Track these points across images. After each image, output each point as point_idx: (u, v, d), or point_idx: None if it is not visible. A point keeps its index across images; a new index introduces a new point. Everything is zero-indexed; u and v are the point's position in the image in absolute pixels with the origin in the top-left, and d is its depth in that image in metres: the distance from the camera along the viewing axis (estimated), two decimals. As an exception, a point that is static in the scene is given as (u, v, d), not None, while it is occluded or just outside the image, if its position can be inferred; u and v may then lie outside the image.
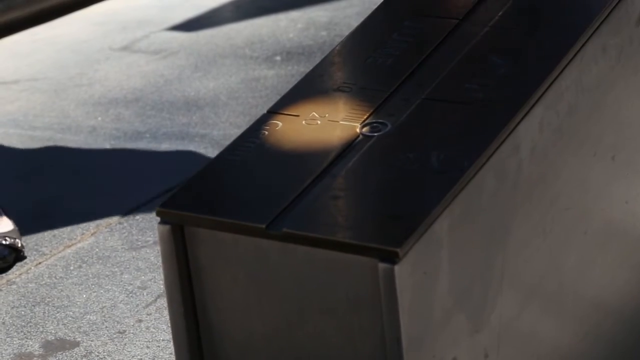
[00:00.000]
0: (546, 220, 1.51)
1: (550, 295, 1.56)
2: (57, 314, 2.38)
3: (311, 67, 1.47)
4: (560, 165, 1.54)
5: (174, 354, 1.41)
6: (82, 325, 2.33)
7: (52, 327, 2.34)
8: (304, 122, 1.45)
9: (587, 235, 1.62)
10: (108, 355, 2.24)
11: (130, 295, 2.42)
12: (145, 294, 2.43)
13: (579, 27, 1.55)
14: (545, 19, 1.61)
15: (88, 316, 2.36)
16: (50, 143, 3.17)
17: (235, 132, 3.10)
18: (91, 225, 2.72)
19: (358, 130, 1.43)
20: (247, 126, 1.45)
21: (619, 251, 1.73)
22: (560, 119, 1.52)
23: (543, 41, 1.56)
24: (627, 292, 1.79)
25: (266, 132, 1.43)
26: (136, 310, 2.37)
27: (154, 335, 2.29)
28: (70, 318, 2.36)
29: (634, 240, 1.79)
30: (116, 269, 2.53)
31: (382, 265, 1.24)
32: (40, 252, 2.62)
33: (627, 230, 1.76)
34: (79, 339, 2.30)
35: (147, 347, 2.25)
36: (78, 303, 2.41)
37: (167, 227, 1.34)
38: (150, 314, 2.35)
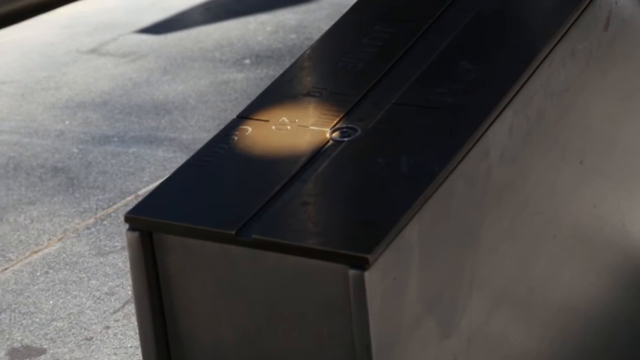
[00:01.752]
0: (515, 225, 1.51)
1: (519, 299, 1.56)
2: (24, 321, 2.35)
3: (281, 70, 1.47)
4: (529, 170, 1.54)
5: (142, 361, 1.40)
6: (48, 332, 2.31)
7: (18, 334, 2.31)
8: (273, 127, 1.44)
9: (556, 239, 1.63)
10: (76, 362, 2.22)
11: (98, 301, 2.40)
12: (112, 300, 2.41)
13: (547, 31, 1.56)
14: (514, 24, 1.61)
15: (55, 323, 2.34)
16: (17, 147, 3.14)
17: (204, 136, 3.08)
18: (58, 231, 2.70)
19: (328, 135, 1.42)
20: (216, 130, 1.44)
21: (587, 255, 1.74)
22: (530, 124, 1.52)
23: (512, 46, 1.56)
24: (595, 295, 1.80)
25: (236, 138, 1.42)
26: (104, 316, 2.35)
27: (121, 342, 2.27)
28: (36, 325, 2.34)
29: (601, 244, 1.80)
30: (83, 275, 2.51)
31: (352, 272, 1.24)
32: (6, 258, 2.60)
33: (595, 235, 1.77)
34: (46, 346, 2.27)
35: (115, 354, 2.24)
36: (45, 309, 2.39)
37: (135, 234, 1.33)
38: (118, 320, 2.34)
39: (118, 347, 2.26)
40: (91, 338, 2.28)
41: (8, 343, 2.29)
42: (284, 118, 1.45)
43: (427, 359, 1.35)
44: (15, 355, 2.26)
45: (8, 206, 2.82)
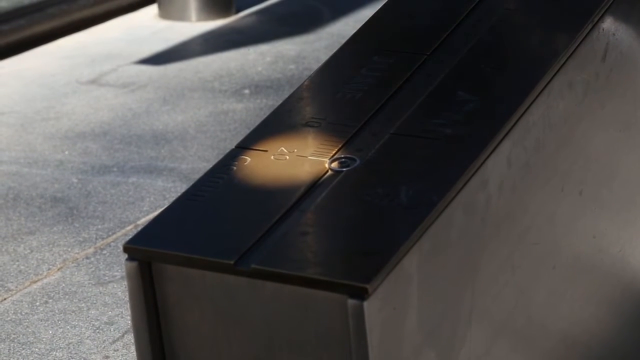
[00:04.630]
0: (515, 255, 1.51)
1: (519, 330, 1.56)
2: (23, 351, 2.35)
3: (280, 101, 1.48)
4: (529, 200, 1.54)
5: (141, 391, 1.39)
6: (47, 361, 2.31)
7: (17, 364, 2.31)
8: (272, 157, 1.44)
9: (555, 270, 1.63)
10: (74, 393, 2.21)
11: (97, 331, 2.40)
12: (112, 329, 2.40)
13: (546, 62, 1.56)
14: (512, 55, 1.62)
15: (54, 353, 2.33)
16: (17, 177, 3.14)
17: (203, 166, 3.09)
18: (58, 261, 2.69)
19: (327, 165, 1.42)
20: (216, 159, 1.45)
21: (586, 286, 1.74)
22: (528, 154, 1.52)
23: (510, 77, 1.57)
24: (595, 326, 1.79)
25: (235, 168, 1.43)
26: (103, 346, 2.34)
27: (120, 372, 2.26)
28: (36, 355, 2.33)
29: (601, 275, 1.79)
30: (83, 305, 2.50)
31: (351, 302, 1.24)
32: (6, 288, 2.59)
33: (594, 265, 1.77)
34: (45, 376, 2.27)
35: (114, 383, 2.23)
36: (44, 339, 2.38)
37: (134, 264, 1.33)
38: (118, 349, 2.33)
39: (116, 377, 2.25)
40: (90, 368, 2.28)
41: (6, 373, 2.28)
42: (283, 148, 1.46)
43: (427, 390, 1.35)
44: (13, 386, 2.25)
45: (7, 236, 2.82)
